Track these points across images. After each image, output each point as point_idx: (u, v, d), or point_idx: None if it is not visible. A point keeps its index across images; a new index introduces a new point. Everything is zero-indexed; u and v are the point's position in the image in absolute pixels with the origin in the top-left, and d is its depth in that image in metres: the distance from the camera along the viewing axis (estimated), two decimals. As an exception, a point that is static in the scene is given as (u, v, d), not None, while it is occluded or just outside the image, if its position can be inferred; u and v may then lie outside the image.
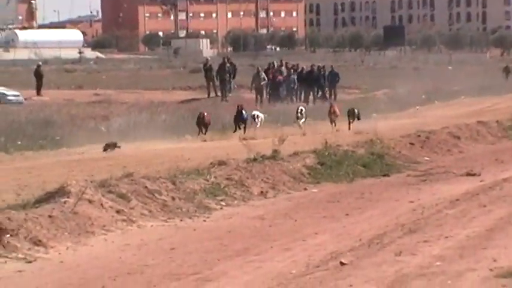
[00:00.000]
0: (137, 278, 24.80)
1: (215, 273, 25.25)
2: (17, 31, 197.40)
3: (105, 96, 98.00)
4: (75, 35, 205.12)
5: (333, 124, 70.58)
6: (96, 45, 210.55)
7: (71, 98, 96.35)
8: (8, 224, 28.50)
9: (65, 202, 31.48)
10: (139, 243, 29.75)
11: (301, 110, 70.41)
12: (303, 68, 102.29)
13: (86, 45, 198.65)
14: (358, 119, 69.83)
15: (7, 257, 26.82)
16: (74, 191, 32.32)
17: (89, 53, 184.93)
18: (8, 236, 27.80)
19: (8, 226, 28.36)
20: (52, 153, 52.38)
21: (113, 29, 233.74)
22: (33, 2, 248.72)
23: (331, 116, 71.13)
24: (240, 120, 65.67)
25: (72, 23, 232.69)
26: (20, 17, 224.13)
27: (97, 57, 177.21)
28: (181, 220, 33.30)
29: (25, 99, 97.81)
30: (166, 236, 30.86)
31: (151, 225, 32.26)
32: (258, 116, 67.67)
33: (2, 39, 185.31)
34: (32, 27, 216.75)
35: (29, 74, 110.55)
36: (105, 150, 55.20)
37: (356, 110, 69.85)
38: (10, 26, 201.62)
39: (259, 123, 66.97)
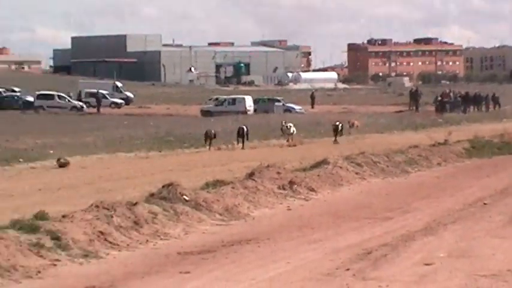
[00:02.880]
0: (366, 209, 24.66)
1: (411, 208, 25.06)
2: (301, 73, 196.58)
3: (348, 109, 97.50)
4: (332, 75, 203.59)
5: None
6: (344, 80, 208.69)
7: (329, 110, 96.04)
8: (296, 179, 28.56)
9: (326, 167, 31.53)
10: (368, 190, 29.69)
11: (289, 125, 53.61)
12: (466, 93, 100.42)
13: (338, 81, 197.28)
14: (341, 133, 54.04)
15: (294, 197, 26.93)
16: (331, 161, 32.42)
17: (340, 85, 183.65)
18: (296, 186, 27.87)
19: (296, 180, 28.42)
20: (321, 141, 52.46)
21: (354, 71, 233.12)
22: (310, 56, 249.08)
23: (348, 125, 58.39)
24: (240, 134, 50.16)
25: (331, 68, 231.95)
26: (302, 65, 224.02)
27: (344, 88, 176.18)
28: (392, 178, 33.15)
29: (305, 110, 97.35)
30: (383, 187, 30.75)
31: (375, 181, 32.17)
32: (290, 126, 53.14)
33: (292, 78, 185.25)
34: (309, 71, 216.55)
35: (307, 97, 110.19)
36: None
37: (340, 125, 53.78)
38: (297, 70, 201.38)
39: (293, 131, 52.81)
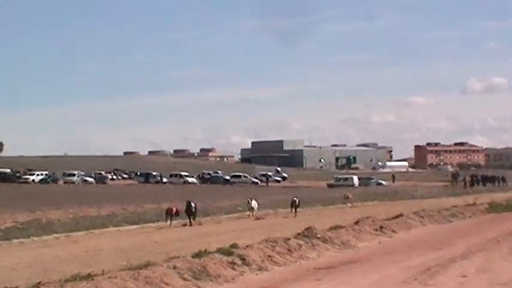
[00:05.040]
0: (426, 243, 24.00)
1: (453, 242, 24.28)
2: (386, 162, 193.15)
3: (414, 184, 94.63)
4: (405, 163, 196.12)
5: (347, 204, 47.67)
6: (412, 167, 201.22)
7: (403, 184, 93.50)
8: (384, 224, 28.09)
9: (402, 218, 30.90)
10: (427, 232, 28.95)
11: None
12: (486, 175, 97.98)
13: (409, 167, 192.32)
14: (298, 206, 40.89)
15: (383, 236, 26.47)
16: (405, 215, 31.71)
17: (410, 170, 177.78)
18: (384, 229, 27.32)
19: (384, 225, 27.96)
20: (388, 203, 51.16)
21: (418, 161, 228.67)
22: (391, 152, 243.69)
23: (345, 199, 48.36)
24: (189, 211, 33.47)
25: (404, 160, 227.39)
26: (387, 157, 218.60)
27: (412, 171, 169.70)
28: (441, 225, 32.35)
29: (389, 184, 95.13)
30: (436, 230, 30.07)
31: (431, 226, 31.32)
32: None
33: (381, 165, 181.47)
34: (391, 161, 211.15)
35: (390, 176, 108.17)
36: None
37: (297, 200, 41.29)
38: (384, 161, 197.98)
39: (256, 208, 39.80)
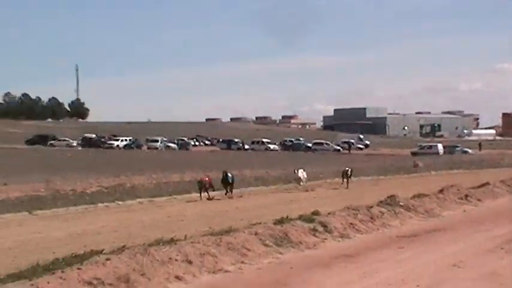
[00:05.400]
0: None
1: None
2: (472, 130, 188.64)
3: (502, 152, 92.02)
4: (492, 131, 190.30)
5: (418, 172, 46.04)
6: (499, 135, 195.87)
7: (490, 152, 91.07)
8: (469, 193, 27.55)
9: (488, 187, 30.27)
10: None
11: None
12: None
13: (496, 135, 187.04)
14: (350, 177, 37.32)
15: (468, 204, 26.01)
16: (491, 183, 30.97)
17: (497, 138, 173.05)
18: (469, 197, 26.83)
19: (469, 194, 27.43)
20: (482, 171, 50.06)
21: (506, 129, 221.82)
22: (478, 120, 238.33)
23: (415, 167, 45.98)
24: (225, 181, 30.89)
25: (491, 127, 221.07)
26: (473, 125, 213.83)
27: (499, 139, 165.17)
28: None
29: (474, 152, 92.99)
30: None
31: None
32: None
33: (467, 133, 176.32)
34: (477, 129, 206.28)
35: (476, 144, 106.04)
36: None
37: (349, 170, 37.83)
38: (470, 128, 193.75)
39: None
